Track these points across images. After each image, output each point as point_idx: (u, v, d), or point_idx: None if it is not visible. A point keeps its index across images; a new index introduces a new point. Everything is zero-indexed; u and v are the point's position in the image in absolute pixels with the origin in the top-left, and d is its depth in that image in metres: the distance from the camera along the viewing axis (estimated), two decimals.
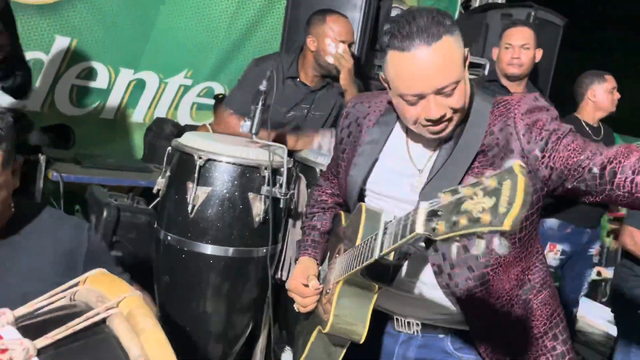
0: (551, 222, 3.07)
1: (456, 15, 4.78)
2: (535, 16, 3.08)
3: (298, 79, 2.50)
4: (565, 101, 3.13)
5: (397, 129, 1.36)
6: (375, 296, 1.26)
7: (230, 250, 1.94)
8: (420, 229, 0.92)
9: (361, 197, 1.38)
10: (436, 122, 1.20)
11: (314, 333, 1.38)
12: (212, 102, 4.06)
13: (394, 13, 3.13)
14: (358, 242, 1.23)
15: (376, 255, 1.07)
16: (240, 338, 2.11)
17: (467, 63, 1.24)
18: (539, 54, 2.69)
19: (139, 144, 3.86)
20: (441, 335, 1.34)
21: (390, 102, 1.38)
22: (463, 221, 0.83)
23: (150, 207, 3.03)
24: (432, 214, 0.90)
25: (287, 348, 2.45)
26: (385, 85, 1.29)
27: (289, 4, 2.94)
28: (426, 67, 1.15)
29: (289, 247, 2.15)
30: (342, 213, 1.54)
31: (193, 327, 2.00)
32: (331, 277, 1.38)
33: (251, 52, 4.03)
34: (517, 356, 1.29)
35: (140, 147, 3.87)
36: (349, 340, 1.28)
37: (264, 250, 1.98)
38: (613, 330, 3.66)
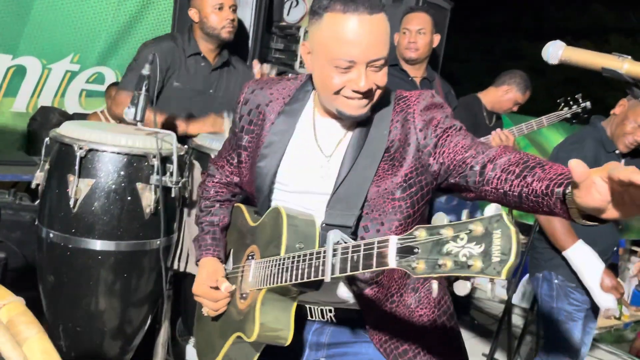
0: (439, 197, 3.25)
1: None
2: (424, 1, 3.19)
3: (201, 54, 2.46)
4: (454, 83, 3.29)
5: (305, 116, 1.36)
6: (297, 299, 1.27)
7: (120, 244, 1.85)
8: (393, 264, 0.93)
9: (269, 190, 1.36)
10: (362, 95, 1.22)
11: (231, 338, 1.35)
12: (102, 88, 3.84)
13: (300, 7, 3.13)
14: (282, 251, 1.22)
15: (328, 278, 1.07)
16: (138, 333, 2.03)
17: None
18: (437, 38, 2.80)
19: (22, 135, 3.58)
20: (353, 320, 1.35)
21: (298, 88, 1.37)
22: (448, 264, 0.85)
23: (35, 203, 2.83)
24: (406, 250, 0.91)
25: (192, 338, 2.40)
26: (306, 56, 1.30)
27: None
28: (365, 35, 1.18)
29: (185, 236, 2.09)
30: (242, 206, 1.51)
31: (86, 326, 1.90)
32: (245, 280, 1.35)
33: (143, 35, 3.84)
34: (407, 344, 1.34)
35: (24, 139, 3.59)
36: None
37: (157, 242, 1.91)
38: (503, 294, 3.95)
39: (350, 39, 1.18)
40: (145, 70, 1.88)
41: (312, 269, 1.12)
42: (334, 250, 1.07)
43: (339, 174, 1.28)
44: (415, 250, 0.89)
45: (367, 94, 1.22)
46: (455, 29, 3.51)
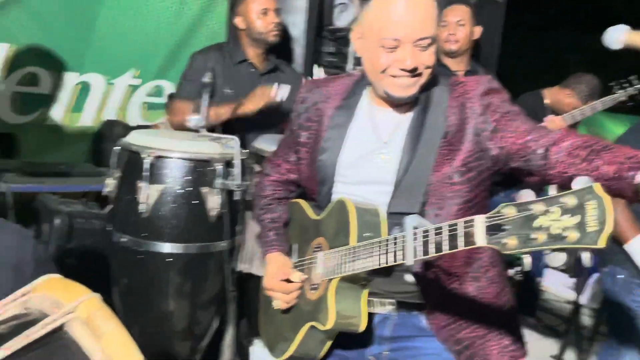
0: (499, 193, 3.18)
1: None
2: None
3: (248, 61, 2.51)
4: (511, 80, 3.21)
5: (362, 108, 1.39)
6: (367, 286, 1.29)
7: (188, 247, 1.91)
8: (482, 242, 0.95)
9: (332, 183, 1.39)
10: (410, 74, 1.25)
11: (304, 329, 1.38)
12: (162, 100, 3.98)
13: (349, 11, 3.16)
14: (353, 240, 1.25)
15: (411, 261, 1.10)
16: (206, 334, 2.08)
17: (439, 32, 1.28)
18: (478, 31, 2.74)
19: (89, 148, 3.76)
20: (415, 312, 1.36)
21: (354, 83, 1.42)
22: (542, 237, 0.86)
23: (104, 210, 2.96)
24: (494, 228, 0.93)
25: (256, 340, 2.44)
26: (357, 42, 1.34)
27: None
28: (409, 14, 1.23)
29: (249, 238, 2.13)
30: (301, 202, 1.55)
31: (157, 327, 1.97)
32: (314, 271, 1.38)
33: (198, 48, 3.96)
34: (467, 334, 1.33)
35: (90, 152, 3.76)
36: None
37: (223, 245, 1.96)
38: (572, 296, 3.81)
39: (395, 18, 1.23)
40: (206, 78, 1.95)
41: (391, 255, 1.14)
42: (414, 234, 1.09)
43: (400, 162, 1.31)
44: (505, 227, 0.91)
45: (415, 73, 1.26)
46: (511, 24, 3.43)
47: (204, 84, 1.95)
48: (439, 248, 1.04)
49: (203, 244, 1.93)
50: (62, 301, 1.04)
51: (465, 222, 0.99)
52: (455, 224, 1.01)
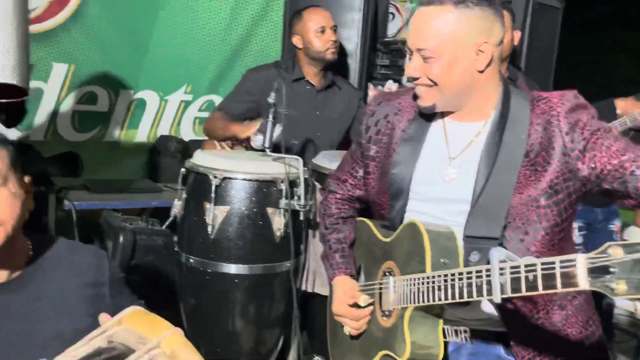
0: None
1: None
2: (534, 1, 3.06)
3: (305, 79, 2.51)
4: (567, 85, 3.11)
5: (436, 122, 1.36)
6: (442, 315, 1.26)
7: (253, 268, 1.92)
8: (585, 284, 0.90)
9: (406, 198, 1.36)
10: (415, 82, 1.28)
11: (378, 356, 1.35)
12: None
13: (396, 20, 3.12)
14: (428, 268, 1.21)
15: (498, 299, 1.05)
16: (272, 353, 2.09)
17: (478, 52, 1.24)
18: (517, 35, 2.65)
19: (145, 163, 3.85)
20: (492, 341, 1.31)
21: None
22: None
23: (164, 227, 3.02)
24: (599, 270, 0.88)
25: (317, 357, 2.43)
26: None
27: (287, 11, 2.91)
28: (416, 23, 1.27)
29: (310, 257, 2.13)
30: (368, 221, 1.51)
31: (224, 347, 1.98)
32: (385, 297, 1.35)
33: (249, 61, 4.01)
34: None
35: (146, 167, 3.85)
36: None
37: (288, 264, 1.96)
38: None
39: (410, 27, 1.30)
40: (271, 99, 1.95)
41: (474, 289, 1.09)
42: (501, 269, 1.04)
43: (476, 181, 1.26)
44: (612, 269, 0.86)
45: (419, 83, 1.27)
46: (565, 26, 3.34)
47: (269, 105, 1.95)
48: (531, 287, 0.98)
49: (268, 264, 1.93)
50: (147, 336, 1.05)
51: (564, 261, 0.93)
52: (553, 263, 0.94)
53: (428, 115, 1.36)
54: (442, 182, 1.31)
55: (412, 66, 1.27)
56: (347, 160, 1.56)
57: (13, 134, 2.16)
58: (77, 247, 1.39)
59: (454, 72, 1.24)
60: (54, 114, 3.43)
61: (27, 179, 1.24)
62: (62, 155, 3.08)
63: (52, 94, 3.39)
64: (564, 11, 3.30)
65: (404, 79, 3.04)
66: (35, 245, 1.31)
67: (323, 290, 2.11)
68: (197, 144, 3.86)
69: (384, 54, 3.12)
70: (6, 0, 1.63)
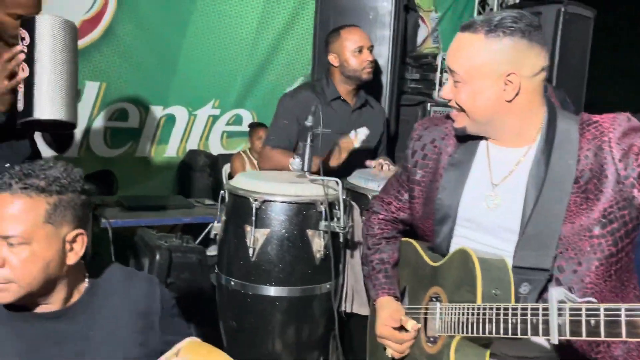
0: None
1: (474, 13, 4.75)
2: (565, 12, 3.03)
3: (341, 98, 2.52)
4: (602, 96, 3.07)
5: (481, 147, 1.35)
6: (489, 346, 1.24)
7: (293, 290, 1.92)
8: None
9: (453, 224, 1.36)
10: (449, 103, 1.31)
11: None
12: (240, 128, 4.09)
13: (422, 30, 3.12)
14: (479, 299, 1.18)
15: (555, 340, 1.01)
16: None
17: (506, 82, 1.22)
18: None
19: (175, 177, 3.90)
20: None
21: None
22: None
23: (197, 242, 3.05)
24: None
25: None
26: None
27: (317, 25, 2.92)
28: (452, 47, 1.30)
29: (348, 277, 2.13)
30: (414, 242, 1.50)
31: None
32: (431, 323, 1.34)
33: (275, 75, 4.06)
34: None
35: (176, 181, 3.90)
36: None
37: (327, 286, 1.96)
38: None
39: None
40: (309, 122, 1.96)
41: (529, 326, 1.07)
42: (560, 309, 1.02)
43: (523, 210, 1.24)
44: None
45: (452, 105, 1.31)
46: (597, 38, 3.29)
47: (306, 128, 1.96)
48: (593, 332, 0.94)
49: (308, 286, 1.94)
50: None
51: (628, 309, 0.89)
52: (618, 310, 0.90)
53: (474, 140, 1.35)
54: (486, 209, 1.30)
55: (446, 88, 1.31)
56: (392, 183, 1.55)
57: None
58: (132, 274, 1.40)
59: (479, 100, 1.24)
60: (87, 131, 3.50)
61: (74, 233, 1.22)
62: (97, 173, 3.14)
63: (85, 111, 3.46)
64: (595, 20, 3.26)
65: (435, 94, 3.04)
66: (92, 272, 1.33)
67: (362, 310, 2.11)
68: (225, 158, 3.91)
69: (414, 67, 3.11)
70: (56, 35, 1.67)
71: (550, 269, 1.21)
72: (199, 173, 3.79)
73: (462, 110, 1.27)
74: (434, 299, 1.35)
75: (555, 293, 1.02)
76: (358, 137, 2.27)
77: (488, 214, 1.30)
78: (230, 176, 3.82)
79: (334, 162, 2.30)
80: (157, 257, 2.56)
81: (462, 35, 1.26)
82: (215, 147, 4.02)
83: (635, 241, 1.25)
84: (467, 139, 1.36)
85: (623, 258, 1.22)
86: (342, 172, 2.45)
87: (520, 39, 1.20)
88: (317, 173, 2.00)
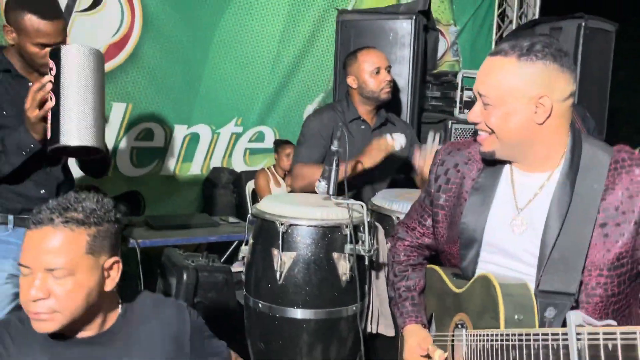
0: None
1: (494, 27, 4.75)
2: (586, 26, 3.02)
3: (360, 118, 2.55)
4: (624, 109, 3.05)
5: (505, 172, 1.36)
6: None
7: (320, 312, 1.95)
8: None
9: (478, 247, 1.37)
10: (476, 127, 1.32)
11: None
12: (263, 145, 4.15)
13: (441, 43, 3.13)
14: (502, 325, 1.20)
15: None
16: None
17: (538, 104, 1.24)
18: None
19: (199, 195, 3.97)
20: None
21: None
22: None
23: (222, 260, 3.10)
24: None
25: None
26: None
27: (338, 42, 2.96)
28: (482, 70, 1.30)
29: (374, 299, 2.15)
30: (438, 269, 1.52)
31: None
32: (457, 350, 1.35)
33: (295, 93, 4.12)
34: None
35: (200, 198, 3.97)
36: None
37: (354, 308, 1.99)
38: None
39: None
40: (334, 146, 1.99)
41: (550, 351, 1.07)
42: (579, 334, 1.02)
43: (548, 234, 1.24)
44: None
45: (480, 129, 1.31)
46: (621, 52, 3.27)
47: (331, 152, 2.00)
48: (611, 356, 0.94)
49: (335, 308, 1.96)
50: None
51: None
52: (634, 333, 0.91)
53: (498, 165, 1.36)
54: (511, 234, 1.31)
55: (474, 111, 1.31)
56: (416, 208, 1.57)
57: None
58: (161, 300, 1.45)
59: (511, 122, 1.25)
60: (114, 152, 3.58)
61: (111, 261, 1.26)
62: (125, 194, 3.21)
63: (112, 132, 3.55)
64: (616, 34, 3.25)
65: (456, 111, 3.05)
66: (124, 299, 1.38)
67: (388, 331, 2.13)
68: (249, 174, 3.97)
69: (435, 85, 3.13)
70: (82, 63, 1.72)
71: (575, 293, 1.22)
72: (222, 190, 3.86)
73: (491, 132, 1.28)
74: (460, 326, 1.37)
75: (574, 317, 1.03)
76: (397, 141, 2.30)
77: (514, 238, 1.31)
78: (254, 193, 3.88)
79: (369, 162, 2.32)
80: (185, 277, 2.62)
81: (493, 59, 1.27)
82: (239, 164, 4.08)
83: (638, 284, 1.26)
84: (490, 164, 1.37)
85: (622, 299, 1.24)
86: (376, 177, 2.48)
87: (552, 63, 1.22)
88: (342, 183, 2.01)
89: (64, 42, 1.86)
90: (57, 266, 1.17)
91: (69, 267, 1.19)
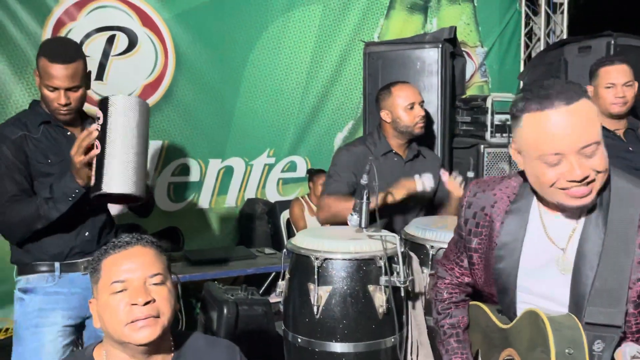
0: None
1: (521, 46, 4.73)
2: (615, 44, 2.99)
3: (393, 151, 2.57)
4: None
5: (533, 214, 1.35)
6: None
7: (358, 346, 1.95)
8: None
9: (514, 292, 1.36)
10: (580, 183, 1.19)
11: None
12: (295, 175, 4.21)
13: (469, 65, 3.15)
14: (552, 359, 1.19)
15: None
16: None
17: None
18: (636, 86, 2.60)
19: (235, 226, 4.04)
20: None
21: (520, 185, 1.39)
22: None
23: (261, 292, 3.14)
24: None
25: None
26: (517, 157, 1.31)
27: (366, 79, 3.01)
28: (567, 126, 1.18)
29: (412, 329, 2.14)
30: (482, 305, 1.51)
31: None
32: None
33: (325, 122, 4.18)
34: None
35: (236, 230, 4.04)
36: None
37: (392, 340, 1.99)
38: None
39: (553, 133, 1.18)
40: (364, 180, 2.02)
41: None
42: None
43: (585, 267, 1.23)
44: None
45: (587, 181, 1.19)
46: None
47: (362, 186, 2.03)
48: None
49: (373, 341, 1.96)
50: None
51: None
52: None
53: (523, 206, 1.35)
54: (552, 276, 1.30)
55: (578, 168, 1.18)
56: (452, 249, 1.57)
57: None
58: (214, 341, 1.48)
59: (606, 156, 1.22)
60: (152, 188, 3.69)
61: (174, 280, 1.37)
62: (165, 230, 3.30)
63: (150, 169, 3.66)
64: None
65: (487, 135, 3.04)
66: (176, 340, 1.42)
67: None
68: (283, 204, 4.02)
69: (465, 110, 3.14)
70: (127, 113, 1.79)
71: (622, 325, 1.20)
72: (258, 221, 3.91)
73: (599, 173, 1.21)
74: None
75: (629, 349, 1.03)
76: (424, 182, 2.32)
77: (555, 280, 1.30)
78: (289, 222, 3.92)
79: (398, 196, 2.37)
80: (225, 311, 2.66)
81: (575, 106, 1.18)
82: (272, 195, 4.15)
83: None
84: (517, 206, 1.36)
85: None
86: (408, 207, 2.50)
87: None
88: (374, 212, 2.04)
89: (80, 87, 1.92)
90: (157, 271, 1.28)
91: (164, 274, 1.30)
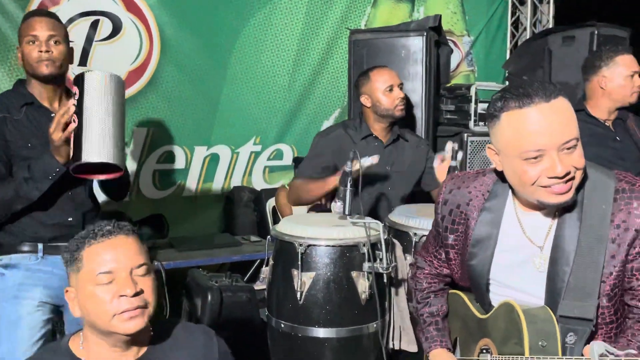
0: None
1: (508, 35, 4.75)
2: (599, 34, 3.01)
3: (373, 135, 2.58)
4: None
5: (508, 211, 1.37)
6: None
7: (341, 331, 1.98)
8: None
9: (486, 287, 1.40)
10: (561, 180, 1.20)
11: None
12: (281, 163, 4.20)
13: (455, 54, 3.15)
14: (526, 351, 1.22)
15: None
16: None
17: None
18: None
19: (221, 214, 4.03)
20: None
21: (494, 183, 1.40)
22: None
23: (245, 279, 3.14)
24: None
25: None
26: (494, 158, 1.31)
27: (351, 67, 3.01)
28: (547, 122, 1.18)
29: (395, 315, 2.17)
30: (461, 294, 1.54)
31: None
32: None
33: (311, 110, 4.17)
34: None
35: (222, 217, 4.03)
36: None
37: (375, 325, 2.01)
38: None
39: (533, 130, 1.19)
40: (348, 167, 2.03)
41: None
42: None
43: (562, 264, 1.27)
44: None
45: (568, 178, 1.20)
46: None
47: (345, 173, 2.04)
48: None
49: (356, 326, 1.99)
50: None
51: None
52: None
53: (497, 205, 1.37)
54: (529, 272, 1.33)
55: (559, 165, 1.19)
56: (430, 241, 1.60)
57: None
58: (191, 327, 1.49)
59: (582, 153, 1.24)
60: (137, 175, 3.67)
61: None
62: (149, 217, 3.28)
63: (135, 156, 3.64)
64: (631, 39, 3.22)
65: (471, 124, 3.06)
66: (155, 327, 1.43)
67: (410, 347, 2.14)
68: (269, 192, 4.01)
69: (449, 99, 3.16)
70: (102, 87, 1.79)
71: (593, 318, 1.24)
72: (243, 208, 3.90)
73: (578, 171, 1.23)
74: (485, 351, 1.39)
75: (597, 347, 1.06)
76: (362, 162, 2.20)
77: (532, 276, 1.33)
78: (275, 210, 3.92)
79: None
80: (209, 297, 2.66)
81: (554, 103, 1.20)
82: (258, 182, 4.13)
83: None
84: (492, 202, 1.38)
85: (622, 323, 1.28)
86: (391, 194, 2.51)
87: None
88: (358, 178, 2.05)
89: (62, 43, 1.95)
90: (143, 262, 1.28)
91: (149, 264, 1.30)
